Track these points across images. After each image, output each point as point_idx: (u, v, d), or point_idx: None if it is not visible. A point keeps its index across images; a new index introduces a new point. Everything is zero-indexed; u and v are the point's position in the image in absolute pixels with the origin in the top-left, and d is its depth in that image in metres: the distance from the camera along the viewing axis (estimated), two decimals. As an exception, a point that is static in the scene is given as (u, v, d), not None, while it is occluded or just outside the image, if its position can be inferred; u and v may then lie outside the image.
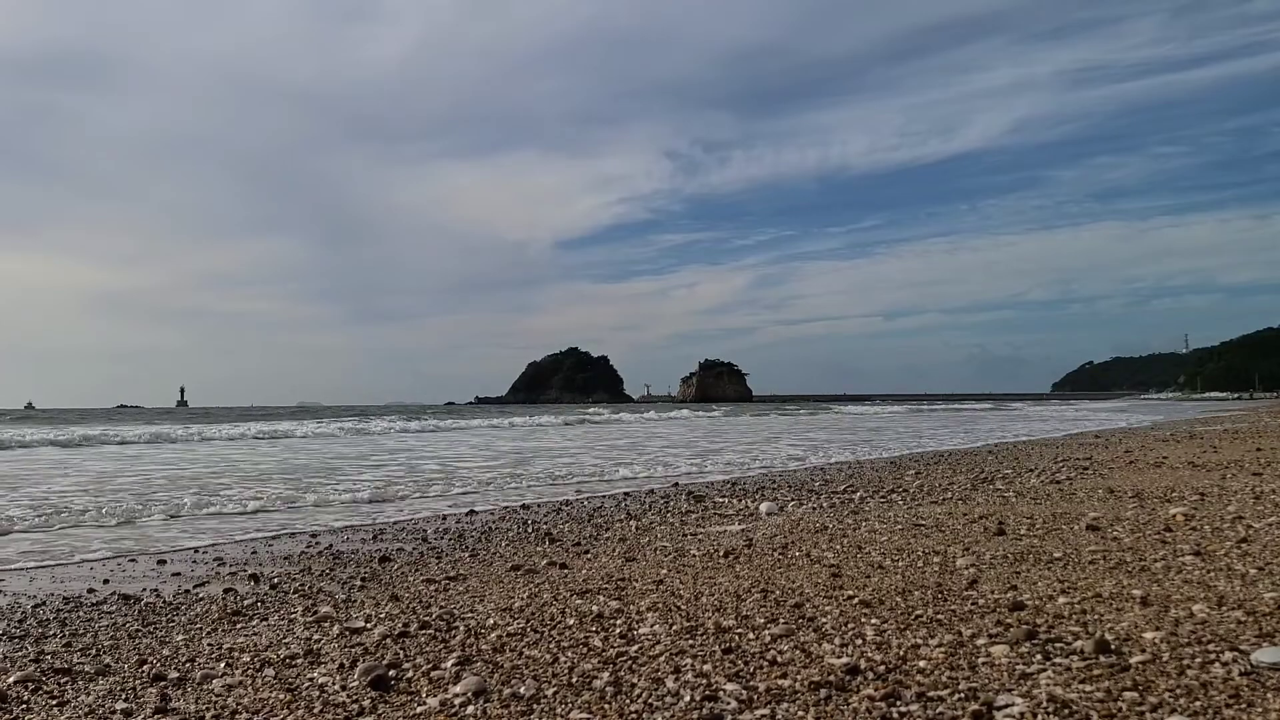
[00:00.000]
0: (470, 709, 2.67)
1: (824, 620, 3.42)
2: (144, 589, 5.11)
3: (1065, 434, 22.74)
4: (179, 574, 5.64)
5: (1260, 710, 2.28)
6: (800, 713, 2.48)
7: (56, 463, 17.09)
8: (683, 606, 3.82)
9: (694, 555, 5.29)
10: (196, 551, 6.61)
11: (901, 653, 2.93)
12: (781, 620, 3.46)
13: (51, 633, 4.08)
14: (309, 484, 11.78)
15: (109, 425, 39.25)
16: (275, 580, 5.22)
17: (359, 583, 5.04)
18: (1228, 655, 2.70)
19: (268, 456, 18.57)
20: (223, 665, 3.32)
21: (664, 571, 4.77)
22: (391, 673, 3.05)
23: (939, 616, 3.38)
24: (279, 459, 17.47)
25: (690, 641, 3.24)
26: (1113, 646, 2.83)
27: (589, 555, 5.60)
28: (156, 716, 2.79)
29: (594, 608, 3.88)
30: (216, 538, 7.32)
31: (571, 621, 3.67)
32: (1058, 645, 2.90)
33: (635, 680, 2.84)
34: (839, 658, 2.90)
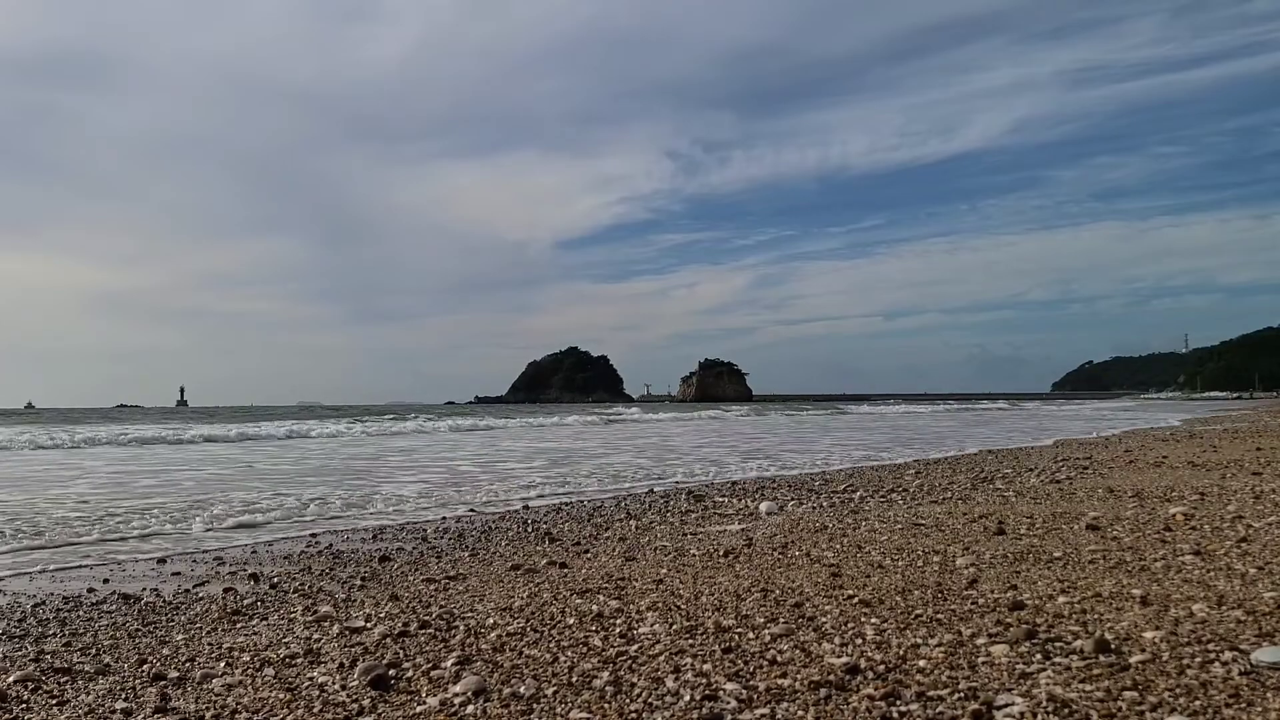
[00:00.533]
0: (470, 708, 2.67)
1: (824, 620, 3.42)
2: (144, 588, 5.11)
3: (1124, 431, 22.39)
4: (179, 573, 5.64)
5: (1260, 710, 2.28)
6: (800, 712, 2.48)
7: (82, 467, 17.07)
8: (683, 606, 3.82)
9: (694, 555, 5.29)
10: (197, 551, 6.61)
11: (901, 652, 2.93)
12: (781, 620, 3.46)
13: (51, 632, 4.08)
14: (369, 488, 11.14)
15: (134, 425, 37.52)
16: (275, 580, 5.22)
17: (359, 582, 5.05)
18: (1228, 655, 2.70)
19: (286, 459, 18.39)
20: (223, 665, 3.32)
21: (664, 571, 4.77)
22: (391, 672, 3.05)
23: (939, 616, 3.38)
24: (321, 462, 16.43)
25: (690, 641, 3.24)
26: (1113, 646, 2.83)
27: (589, 555, 5.60)
28: (156, 716, 2.79)
29: (594, 607, 3.88)
30: (276, 538, 7.32)
31: (571, 621, 3.67)
32: (1058, 645, 2.90)
33: (635, 680, 2.84)
34: (839, 657, 2.90)
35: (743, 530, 6.39)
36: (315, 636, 3.70)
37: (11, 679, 3.23)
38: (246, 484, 11.99)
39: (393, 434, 29.31)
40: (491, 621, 3.74)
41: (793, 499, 8.40)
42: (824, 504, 7.89)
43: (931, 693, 2.53)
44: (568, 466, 14.41)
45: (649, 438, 24.76)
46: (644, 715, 2.54)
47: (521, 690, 2.80)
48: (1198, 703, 2.35)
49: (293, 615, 4.19)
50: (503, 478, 12.61)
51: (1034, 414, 44.28)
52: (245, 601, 4.60)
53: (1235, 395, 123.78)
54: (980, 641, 2.99)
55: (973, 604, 3.55)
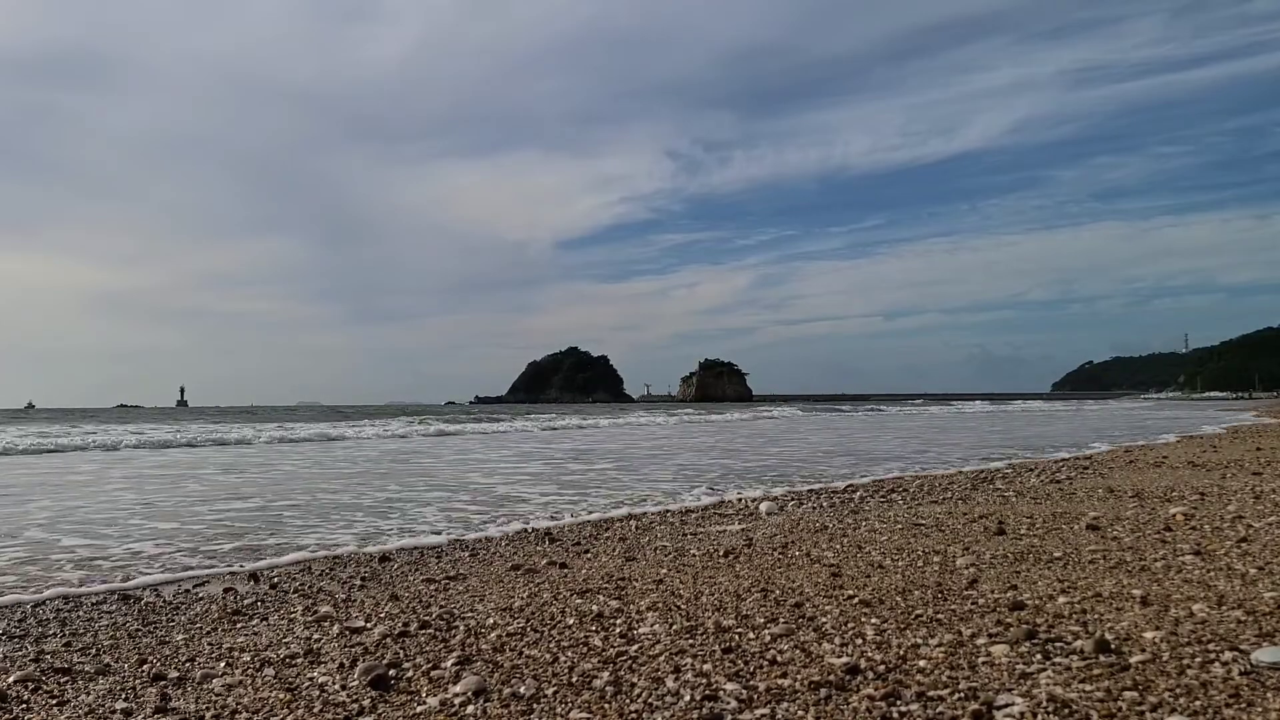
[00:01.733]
0: (470, 708, 2.67)
1: (824, 620, 3.42)
2: (144, 588, 5.11)
3: (1230, 426, 21.74)
4: (179, 573, 5.64)
5: (1260, 710, 2.28)
6: (800, 712, 2.48)
7: (119, 474, 16.56)
8: (683, 606, 3.82)
9: (694, 555, 5.29)
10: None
11: (901, 652, 2.93)
12: (781, 620, 3.46)
13: (51, 632, 4.08)
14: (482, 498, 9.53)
15: (169, 427, 34.92)
16: (275, 580, 5.22)
17: (359, 582, 5.04)
18: (1228, 655, 2.70)
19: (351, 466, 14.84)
20: (223, 665, 3.32)
21: (664, 571, 4.77)
22: (391, 672, 3.05)
23: (939, 616, 3.38)
24: (389, 468, 14.24)
25: (690, 641, 3.24)
26: (1113, 646, 2.83)
27: (589, 554, 5.60)
28: (156, 716, 2.79)
29: (594, 607, 3.88)
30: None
31: (571, 621, 3.67)
32: (1058, 645, 2.90)
33: (635, 680, 2.83)
34: (839, 657, 2.90)
35: (743, 530, 6.39)
36: (315, 636, 3.69)
37: (11, 679, 3.22)
38: (392, 490, 11.87)
39: (464, 435, 27.49)
40: (491, 621, 3.74)
41: (793, 499, 8.41)
42: (824, 504, 7.89)
43: (932, 693, 2.53)
44: (654, 465, 13.59)
45: (737, 434, 24.21)
46: (644, 715, 2.54)
47: (521, 690, 2.80)
48: (1198, 703, 2.35)
49: (293, 615, 4.19)
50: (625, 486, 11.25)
51: (1085, 412, 43.17)
52: (245, 601, 4.60)
53: (1235, 395, 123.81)
54: (980, 641, 2.99)
55: (973, 604, 3.55)
